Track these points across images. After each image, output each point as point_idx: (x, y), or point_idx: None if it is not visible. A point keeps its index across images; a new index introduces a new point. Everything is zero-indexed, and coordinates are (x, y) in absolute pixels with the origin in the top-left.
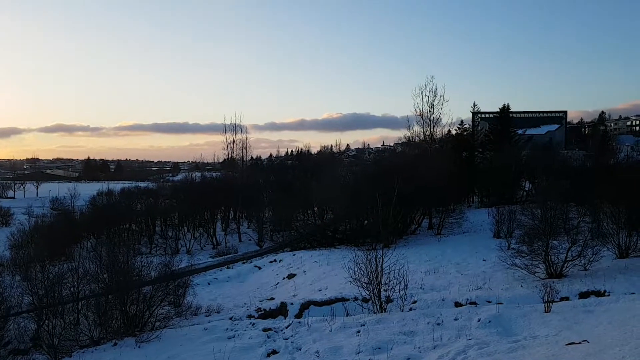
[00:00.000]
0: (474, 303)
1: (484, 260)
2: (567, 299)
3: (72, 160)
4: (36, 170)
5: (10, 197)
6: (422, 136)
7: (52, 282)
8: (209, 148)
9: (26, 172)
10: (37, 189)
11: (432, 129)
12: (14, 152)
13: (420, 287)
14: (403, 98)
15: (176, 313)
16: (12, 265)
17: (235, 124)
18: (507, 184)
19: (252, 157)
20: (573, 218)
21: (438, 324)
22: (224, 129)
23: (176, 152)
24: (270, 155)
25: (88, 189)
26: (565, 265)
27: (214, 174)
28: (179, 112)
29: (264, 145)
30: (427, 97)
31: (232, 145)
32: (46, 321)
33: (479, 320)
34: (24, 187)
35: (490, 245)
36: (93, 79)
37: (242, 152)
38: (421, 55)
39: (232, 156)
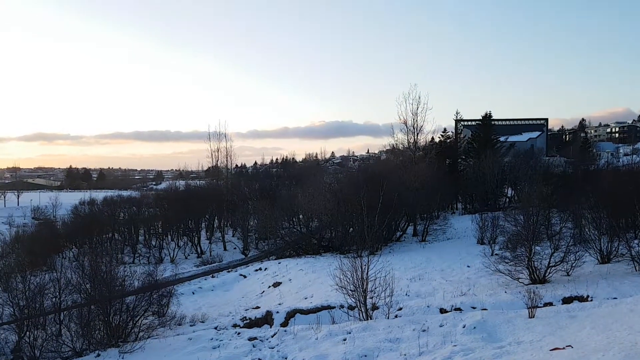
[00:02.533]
0: (459, 309)
1: (468, 266)
2: (550, 304)
3: (54, 169)
4: (17, 180)
5: None
6: (406, 144)
7: (34, 292)
8: (193, 156)
9: (7, 182)
10: (18, 199)
11: (416, 137)
12: None
13: (406, 294)
14: (385, 106)
15: (160, 323)
16: None
17: (219, 132)
18: (490, 190)
19: (236, 165)
20: (555, 224)
21: (424, 331)
22: (208, 137)
23: (159, 161)
24: (255, 163)
25: (70, 198)
26: (548, 270)
27: (198, 182)
28: (160, 120)
29: (248, 153)
30: (410, 105)
31: (216, 154)
32: (27, 332)
33: (464, 327)
34: (4, 197)
35: (474, 252)
36: (72, 87)
37: (226, 160)
38: (403, 63)
39: (216, 164)
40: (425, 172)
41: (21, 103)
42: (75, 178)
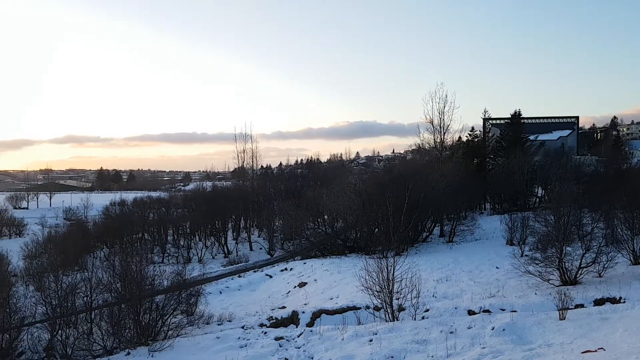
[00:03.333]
0: (488, 311)
1: (497, 267)
2: (582, 306)
3: (85, 170)
4: (50, 181)
5: (24, 208)
6: (433, 143)
7: (66, 292)
8: (219, 157)
9: (40, 183)
10: (50, 200)
11: (442, 136)
12: (28, 163)
13: (433, 295)
14: (410, 106)
15: (188, 322)
16: (25, 276)
17: (245, 134)
18: (519, 190)
19: (262, 166)
20: (587, 224)
21: (451, 333)
22: (235, 138)
23: (187, 162)
24: (280, 164)
25: (101, 199)
26: (580, 272)
27: (224, 183)
28: (187, 122)
29: (273, 154)
30: (437, 104)
31: (242, 155)
32: (60, 331)
33: (492, 329)
34: (37, 198)
35: (503, 253)
36: (101, 90)
37: (252, 161)
38: (429, 62)
39: (242, 165)
40: (452, 172)
41: (52, 106)
42: (105, 179)
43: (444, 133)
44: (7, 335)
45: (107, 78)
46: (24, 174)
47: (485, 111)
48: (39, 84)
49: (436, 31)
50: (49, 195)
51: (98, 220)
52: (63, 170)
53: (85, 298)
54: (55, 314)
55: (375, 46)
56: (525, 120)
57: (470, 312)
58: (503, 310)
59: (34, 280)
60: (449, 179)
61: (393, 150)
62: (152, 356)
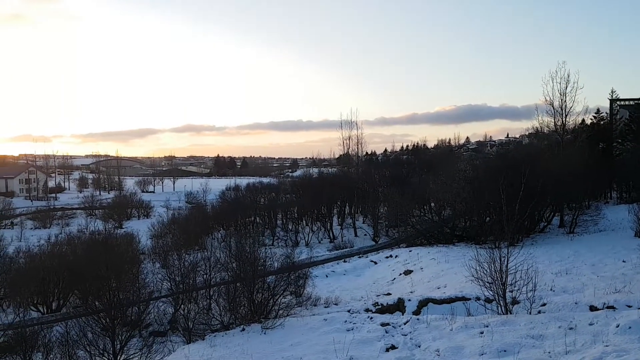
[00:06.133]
0: (612, 307)
1: (623, 261)
2: None
3: (204, 157)
4: (172, 167)
5: (150, 192)
6: (553, 126)
7: (188, 269)
8: (324, 144)
9: (164, 169)
10: (173, 184)
11: (564, 119)
12: (153, 150)
13: (550, 289)
14: (524, 87)
15: (297, 303)
16: (152, 254)
17: (350, 120)
18: None
19: (366, 153)
20: None
21: (570, 329)
22: (340, 125)
23: (294, 149)
24: (385, 150)
25: (218, 184)
26: None
27: (330, 169)
28: (293, 110)
29: (377, 140)
30: (558, 84)
31: (347, 141)
32: (182, 306)
33: (617, 326)
34: (162, 183)
35: (631, 245)
36: (215, 82)
37: (357, 148)
38: (547, 39)
39: (347, 152)
40: (575, 158)
41: (173, 98)
42: (221, 166)
43: (566, 116)
44: (137, 308)
45: (219, 70)
46: (150, 161)
47: (612, 91)
48: (160, 79)
49: (556, 6)
50: (172, 180)
51: (215, 204)
52: (184, 157)
53: (204, 276)
54: (179, 290)
55: (483, 24)
56: None
57: (592, 308)
58: (629, 307)
59: (160, 258)
60: (571, 166)
61: (507, 135)
62: (264, 333)
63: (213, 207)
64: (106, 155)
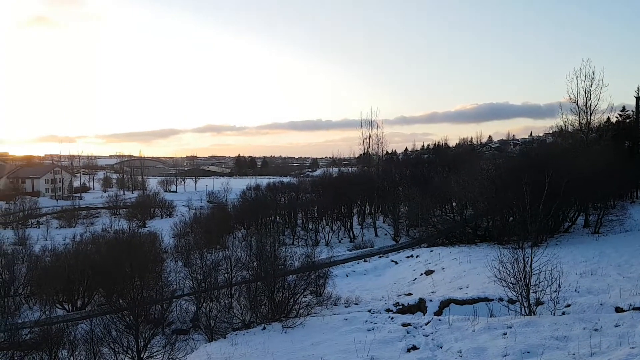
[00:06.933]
0: (638, 309)
1: None
2: None
3: (225, 157)
4: (194, 167)
5: (173, 191)
6: (577, 125)
7: (209, 268)
8: (344, 144)
9: (186, 169)
10: (195, 184)
11: (588, 117)
12: (175, 150)
13: (575, 290)
14: (547, 85)
15: (317, 302)
16: (175, 252)
17: (370, 119)
18: None
19: (387, 152)
20: None
21: (596, 330)
22: (360, 124)
23: (314, 148)
24: (406, 149)
25: (239, 184)
26: None
27: (350, 169)
28: (312, 110)
29: (397, 139)
30: (582, 82)
31: (367, 140)
32: (204, 304)
33: None
34: (184, 182)
35: None
36: (235, 82)
37: (377, 147)
38: (568, 36)
39: (368, 151)
40: (600, 156)
41: (194, 99)
42: (242, 165)
43: (591, 114)
44: (160, 306)
45: (239, 71)
46: (172, 160)
47: (638, 89)
48: (182, 79)
49: (578, 2)
50: (194, 179)
51: (236, 203)
52: (206, 157)
53: (226, 274)
54: (201, 288)
55: (505, 22)
56: None
57: (618, 309)
58: None
59: (182, 257)
60: (596, 165)
61: (530, 133)
62: (285, 332)
63: (234, 207)
64: (130, 156)
